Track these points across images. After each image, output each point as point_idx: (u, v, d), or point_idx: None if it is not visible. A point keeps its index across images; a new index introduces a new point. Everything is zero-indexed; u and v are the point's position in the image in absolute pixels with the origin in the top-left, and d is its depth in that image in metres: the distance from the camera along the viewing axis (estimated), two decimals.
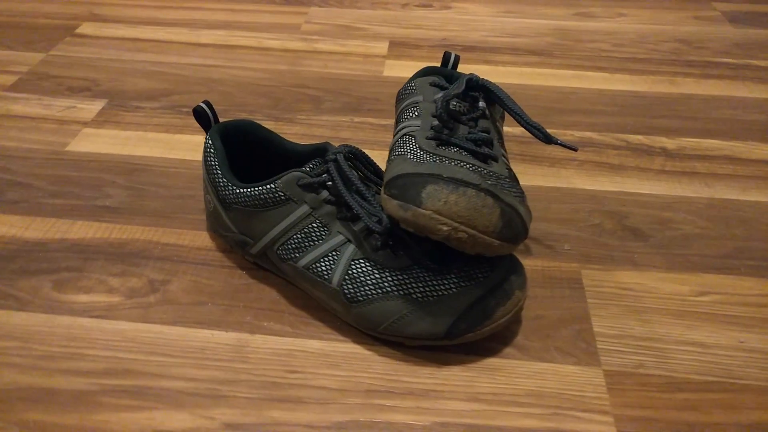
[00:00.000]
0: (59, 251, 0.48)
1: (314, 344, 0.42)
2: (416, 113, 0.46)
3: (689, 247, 0.50)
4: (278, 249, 0.43)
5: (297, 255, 0.42)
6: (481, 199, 0.36)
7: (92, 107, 0.66)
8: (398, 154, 0.41)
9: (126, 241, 0.49)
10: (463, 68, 0.76)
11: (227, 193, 0.44)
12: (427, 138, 0.42)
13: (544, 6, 0.93)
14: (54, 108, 0.66)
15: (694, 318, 0.44)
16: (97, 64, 0.75)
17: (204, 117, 0.46)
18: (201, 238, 0.50)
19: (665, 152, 0.61)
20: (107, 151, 0.60)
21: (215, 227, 0.47)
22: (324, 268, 0.41)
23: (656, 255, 0.49)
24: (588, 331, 0.43)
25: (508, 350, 0.42)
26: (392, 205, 0.37)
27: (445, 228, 0.35)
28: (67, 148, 0.60)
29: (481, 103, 0.46)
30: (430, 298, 0.39)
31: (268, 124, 0.64)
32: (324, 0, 0.93)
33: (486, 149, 0.42)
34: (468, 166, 0.39)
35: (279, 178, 0.42)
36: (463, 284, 0.39)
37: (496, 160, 0.42)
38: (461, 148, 0.42)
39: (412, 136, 0.42)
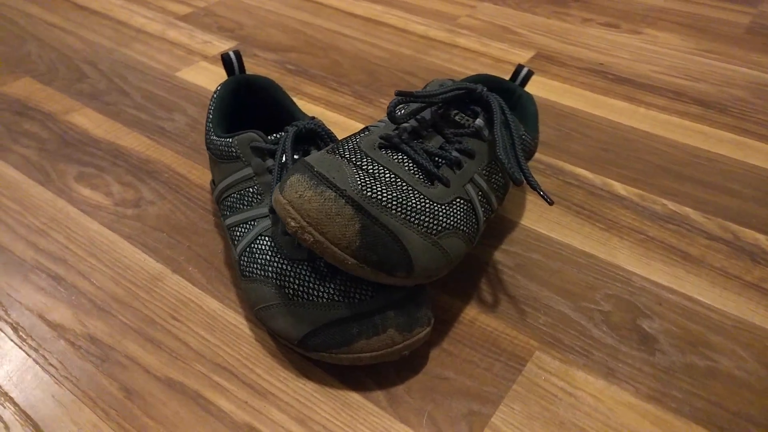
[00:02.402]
0: (103, 150, 0.56)
1: (212, 304, 0.42)
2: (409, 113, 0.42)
3: (709, 387, 0.38)
4: (221, 202, 0.44)
5: (228, 213, 0.43)
6: (337, 206, 0.32)
7: (222, 46, 0.75)
8: (334, 145, 0.38)
9: (153, 160, 0.55)
10: (596, 100, 0.66)
11: (207, 137, 0.46)
12: (380, 137, 0.38)
13: (760, 53, 0.75)
14: (195, 40, 0.76)
15: None
16: (256, 12, 0.83)
17: (229, 65, 0.49)
18: (208, 177, 0.53)
19: None
20: (200, 83, 0.67)
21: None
22: (239, 233, 0.41)
23: (648, 376, 0.38)
24: (483, 417, 0.36)
25: (377, 393, 0.37)
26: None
27: (293, 223, 0.32)
28: (177, 74, 0.69)
29: (478, 121, 0.40)
30: (300, 299, 0.36)
31: (346, 100, 0.65)
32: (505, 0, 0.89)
33: (433, 169, 0.37)
34: (390, 177, 0.35)
35: (237, 135, 0.42)
36: (335, 298, 0.35)
37: (445, 184, 0.37)
38: (410, 158, 0.37)
39: (366, 131, 0.39)
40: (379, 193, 0.33)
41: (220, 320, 0.41)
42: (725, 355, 0.40)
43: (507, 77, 0.70)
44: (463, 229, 0.37)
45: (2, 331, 0.40)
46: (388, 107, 0.37)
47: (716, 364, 0.39)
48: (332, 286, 0.36)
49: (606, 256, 0.47)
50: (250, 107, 0.50)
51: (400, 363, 0.39)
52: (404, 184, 0.35)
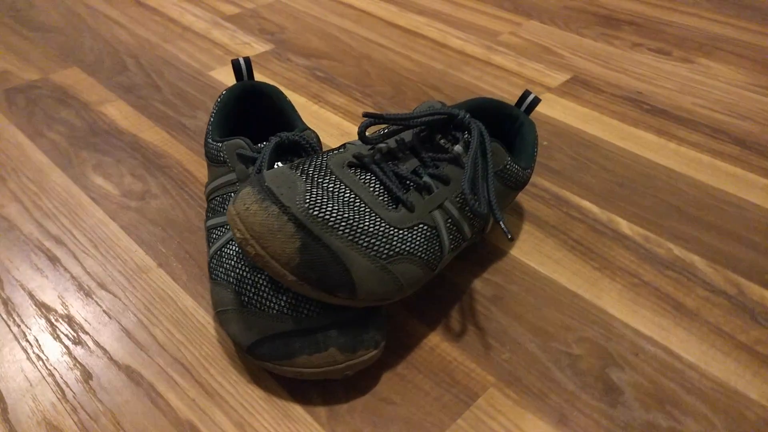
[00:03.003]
0: (124, 142, 0.60)
1: (186, 301, 0.44)
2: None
3: None
4: (207, 203, 0.46)
5: (210, 215, 0.44)
6: (279, 223, 0.32)
7: (260, 48, 0.77)
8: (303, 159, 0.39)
9: (167, 155, 0.58)
10: (624, 131, 0.64)
11: (205, 139, 0.48)
12: (354, 155, 0.39)
13: None
14: (235, 40, 0.79)
15: None
16: (300, 17, 0.86)
17: (238, 71, 0.51)
18: None
19: None
20: (230, 83, 0.70)
21: None
22: (215, 235, 0.43)
23: (602, 429, 0.37)
24: None
25: (320, 409, 0.37)
26: None
27: (238, 234, 0.33)
28: (210, 73, 0.72)
29: (457, 147, 0.40)
30: (252, 308, 0.37)
31: (366, 108, 0.66)
32: (553, 18, 0.87)
33: (398, 192, 0.37)
34: (348, 196, 0.35)
35: (226, 140, 0.44)
36: (284, 311, 0.36)
37: (409, 209, 0.37)
38: (378, 179, 0.38)
39: (342, 148, 0.40)
40: (327, 212, 0.34)
41: (190, 318, 0.43)
42: (694, 418, 0.37)
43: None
44: (420, 256, 0.37)
45: None
46: (358, 128, 0.37)
47: (681, 426, 0.37)
48: (284, 299, 0.37)
49: (591, 297, 0.45)
50: (254, 113, 0.52)
51: (349, 381, 0.39)
52: (362, 205, 0.36)
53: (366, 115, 0.37)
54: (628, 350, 0.41)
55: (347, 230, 0.34)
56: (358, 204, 0.35)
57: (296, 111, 0.50)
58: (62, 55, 0.75)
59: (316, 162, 0.37)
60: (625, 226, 0.52)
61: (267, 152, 0.41)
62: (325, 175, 0.36)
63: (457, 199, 0.40)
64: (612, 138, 0.62)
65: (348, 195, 0.36)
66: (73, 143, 0.60)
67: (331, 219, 0.33)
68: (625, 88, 0.71)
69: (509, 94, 0.69)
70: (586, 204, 0.54)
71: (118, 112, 0.64)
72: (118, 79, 0.70)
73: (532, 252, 0.49)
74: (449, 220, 0.39)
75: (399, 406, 0.38)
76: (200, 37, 0.80)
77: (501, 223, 0.37)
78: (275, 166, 0.42)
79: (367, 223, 0.35)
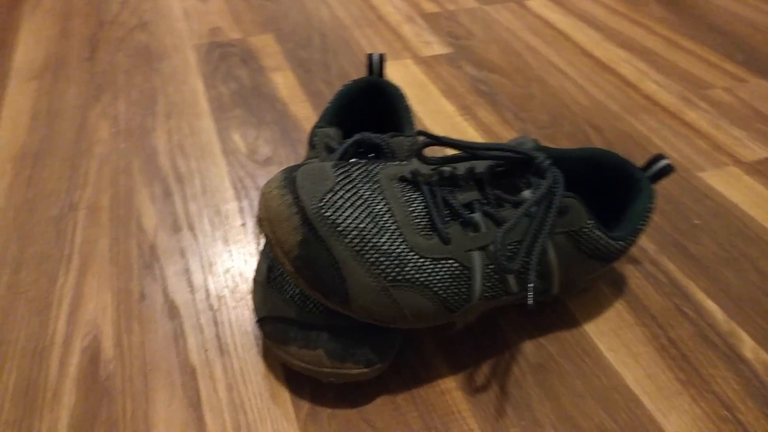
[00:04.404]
0: (275, 109, 0.66)
1: (249, 265, 0.48)
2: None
3: None
4: None
5: None
6: (289, 212, 0.33)
7: (438, 51, 0.79)
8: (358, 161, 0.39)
9: (303, 131, 0.63)
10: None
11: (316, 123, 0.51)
12: (411, 171, 0.38)
13: None
14: (420, 38, 0.82)
15: None
16: (494, 27, 0.85)
17: (370, 65, 0.53)
18: None
19: None
20: (390, 77, 0.72)
21: None
22: None
23: None
24: None
25: (304, 403, 0.38)
26: None
27: (259, 213, 0.35)
28: None
29: (526, 193, 0.37)
30: (275, 286, 0.39)
31: (507, 135, 0.64)
32: None
33: (438, 220, 0.36)
34: (380, 209, 0.35)
35: (322, 128, 0.47)
36: (295, 299, 0.38)
37: (443, 240, 0.35)
38: (424, 200, 0.37)
39: (404, 162, 0.39)
40: (341, 217, 0.34)
41: (246, 282, 0.47)
42: None
43: (712, 171, 0.60)
44: (437, 291, 0.35)
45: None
46: (415, 148, 0.37)
47: None
48: (299, 288, 0.38)
49: (655, 411, 0.39)
50: (373, 109, 0.54)
51: (343, 390, 0.39)
52: (390, 221, 0.35)
53: (419, 133, 0.37)
54: None
55: (356, 240, 0.34)
56: (386, 219, 0.35)
57: (410, 115, 0.51)
58: (267, 22, 0.85)
59: (370, 167, 0.38)
60: (748, 346, 0.43)
61: (344, 147, 0.43)
62: (367, 182, 0.37)
63: (509, 246, 0.37)
64: None
65: (380, 208, 0.35)
66: (235, 99, 0.68)
67: (342, 225, 0.34)
68: None
69: (685, 159, 0.61)
70: (710, 305, 0.46)
71: (284, 81, 0.71)
72: (299, 52, 0.78)
73: (608, 333, 0.44)
74: (491, 266, 0.37)
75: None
76: (389, 28, 0.84)
77: (528, 288, 0.33)
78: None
79: (383, 240, 0.34)
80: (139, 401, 0.38)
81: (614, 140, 0.63)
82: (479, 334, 0.43)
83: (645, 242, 0.51)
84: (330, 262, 0.33)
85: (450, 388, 0.40)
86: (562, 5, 0.92)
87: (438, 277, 0.35)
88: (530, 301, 0.34)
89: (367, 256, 0.34)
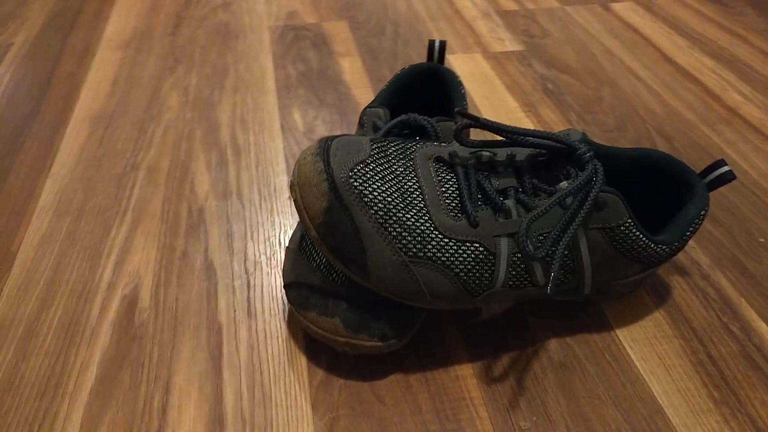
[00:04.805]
0: (338, 92, 0.68)
1: (283, 234, 0.50)
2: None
3: None
4: None
5: None
6: (318, 179, 0.34)
7: (509, 48, 0.78)
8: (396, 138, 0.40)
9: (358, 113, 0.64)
10: None
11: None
12: (449, 152, 0.38)
13: None
14: (493, 34, 0.81)
15: None
16: (573, 29, 0.83)
17: (431, 51, 0.54)
18: None
19: None
20: (456, 69, 0.72)
21: None
22: None
23: None
24: None
25: (319, 371, 0.39)
26: None
27: (292, 177, 0.36)
28: (448, 56, 0.76)
29: (563, 184, 0.37)
30: (304, 253, 0.40)
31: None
32: None
33: (468, 202, 0.35)
34: (411, 186, 0.36)
35: (372, 107, 0.48)
36: (321, 267, 0.39)
37: (471, 223, 0.35)
38: (457, 182, 0.37)
39: (444, 144, 0.39)
40: (369, 189, 0.34)
41: (282, 248, 0.48)
42: None
43: None
44: (458, 273, 0.35)
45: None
46: (455, 128, 0.37)
47: None
48: (325, 257, 0.39)
49: (680, 425, 0.37)
50: (428, 94, 0.54)
51: (359, 363, 0.40)
52: (418, 199, 0.35)
53: (458, 113, 0.37)
54: None
55: (381, 213, 0.34)
56: (415, 196, 0.35)
57: (465, 103, 0.51)
58: (343, 9, 0.87)
59: (408, 145, 0.38)
60: None
61: (388, 126, 0.43)
62: (401, 159, 0.37)
63: (540, 236, 0.37)
64: None
65: (411, 184, 0.36)
66: (301, 80, 0.70)
67: (369, 196, 0.34)
68: None
69: (762, 176, 0.57)
70: (761, 326, 0.43)
71: (350, 67, 0.73)
72: (370, 39, 0.79)
73: (641, 341, 0.42)
74: (518, 254, 0.36)
75: (385, 408, 0.37)
76: (464, 22, 0.84)
77: (553, 279, 0.33)
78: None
79: (408, 216, 0.35)
80: (165, 349, 0.41)
81: (683, 150, 0.61)
82: (505, 327, 0.43)
83: (698, 254, 0.49)
84: (353, 232, 0.34)
85: (466, 374, 0.40)
86: (650, 10, 0.88)
87: (461, 259, 0.35)
88: (551, 291, 0.33)
89: (390, 229, 0.34)
